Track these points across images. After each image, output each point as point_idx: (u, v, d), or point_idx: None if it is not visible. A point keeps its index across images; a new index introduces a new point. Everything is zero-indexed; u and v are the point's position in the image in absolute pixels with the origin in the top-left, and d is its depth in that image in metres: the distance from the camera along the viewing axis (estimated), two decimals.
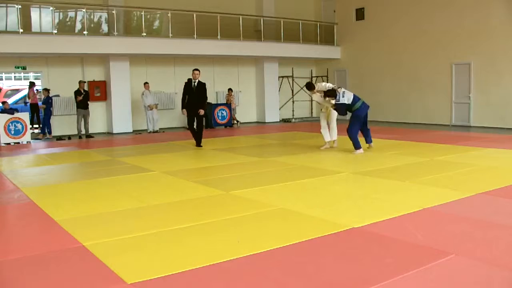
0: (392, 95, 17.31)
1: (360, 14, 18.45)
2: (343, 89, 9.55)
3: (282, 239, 4.11)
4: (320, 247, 3.96)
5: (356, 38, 18.61)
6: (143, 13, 15.20)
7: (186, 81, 10.80)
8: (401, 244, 3.98)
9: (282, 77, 19.15)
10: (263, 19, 17.78)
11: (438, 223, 4.59)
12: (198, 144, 10.84)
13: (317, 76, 20.08)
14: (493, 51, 14.18)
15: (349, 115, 9.70)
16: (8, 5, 13.25)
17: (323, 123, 10.10)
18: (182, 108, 10.73)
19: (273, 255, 3.78)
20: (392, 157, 8.71)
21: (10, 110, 13.05)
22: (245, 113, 18.63)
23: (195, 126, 10.82)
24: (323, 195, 5.93)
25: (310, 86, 10.13)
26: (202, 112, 10.52)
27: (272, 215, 5.00)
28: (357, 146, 9.37)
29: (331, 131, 10.12)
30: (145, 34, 15.08)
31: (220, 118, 16.67)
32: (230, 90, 17.29)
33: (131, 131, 15.67)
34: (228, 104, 16.96)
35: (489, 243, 3.99)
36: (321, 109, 10.28)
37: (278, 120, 18.95)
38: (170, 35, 15.28)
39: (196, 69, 10.79)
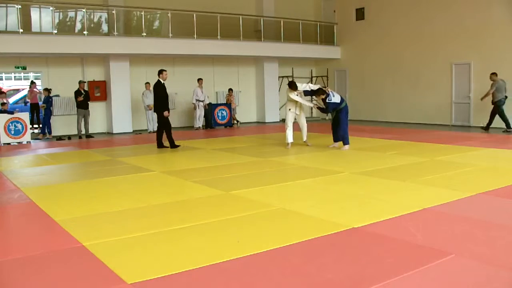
0: (392, 95, 17.32)
1: (360, 14, 18.46)
2: (329, 90, 10.00)
3: (282, 239, 4.11)
4: (320, 247, 3.96)
5: (356, 38, 18.61)
6: (143, 13, 15.21)
7: (158, 82, 10.54)
8: (401, 244, 3.98)
9: (282, 77, 19.14)
10: (263, 19, 17.79)
11: (438, 223, 4.59)
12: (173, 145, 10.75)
13: (317, 76, 20.09)
14: (493, 51, 14.18)
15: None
16: (8, 5, 13.26)
17: (290, 123, 10.28)
18: (166, 110, 10.57)
19: (273, 255, 3.78)
20: (392, 157, 8.71)
21: (9, 111, 13.06)
22: (245, 113, 18.64)
23: (158, 127, 10.82)
24: (323, 195, 5.93)
25: (293, 85, 10.16)
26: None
27: (272, 215, 5.00)
28: (348, 141, 9.79)
29: (304, 130, 10.45)
30: (145, 34, 15.09)
31: (220, 118, 16.67)
32: (230, 90, 17.30)
33: (131, 131, 15.68)
34: (228, 104, 16.96)
35: (489, 243, 3.99)
36: (289, 109, 10.32)
37: (278, 120, 18.94)
38: (170, 35, 15.29)
39: (165, 70, 10.74)
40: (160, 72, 10.61)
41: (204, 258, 3.68)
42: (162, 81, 10.54)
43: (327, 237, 4.18)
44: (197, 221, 4.77)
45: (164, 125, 10.74)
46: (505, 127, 13.14)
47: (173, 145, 10.71)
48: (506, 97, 13.18)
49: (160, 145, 10.78)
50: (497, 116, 13.30)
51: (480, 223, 4.55)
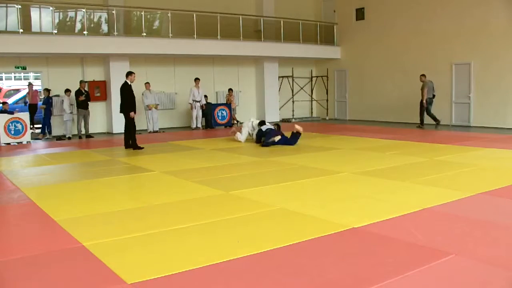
0: (392, 95, 17.30)
1: (360, 14, 18.44)
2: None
3: (282, 239, 4.11)
4: (320, 247, 3.96)
5: (356, 38, 18.60)
6: (143, 13, 15.20)
7: (124, 84, 10.59)
8: (401, 244, 3.98)
9: (282, 77, 19.14)
10: (263, 19, 17.78)
11: (438, 223, 4.59)
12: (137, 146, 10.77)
13: (317, 76, 20.09)
14: (493, 51, 14.18)
15: None
16: (8, 5, 13.25)
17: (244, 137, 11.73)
18: (132, 111, 10.58)
19: (273, 255, 3.78)
20: (392, 157, 8.71)
21: (10, 111, 13.06)
22: (245, 113, 18.60)
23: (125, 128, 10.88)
24: (323, 195, 5.93)
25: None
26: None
27: (272, 215, 5.00)
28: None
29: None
30: (145, 34, 15.08)
31: (220, 118, 16.66)
32: (230, 90, 17.29)
33: None
34: (228, 104, 16.96)
35: (489, 243, 3.99)
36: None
37: (279, 120, 18.93)
38: (170, 35, 15.28)
39: (134, 72, 10.83)
40: (129, 74, 10.69)
41: (204, 258, 3.68)
42: (130, 83, 10.57)
43: (327, 237, 4.18)
44: (197, 221, 4.77)
45: (129, 126, 10.75)
46: (434, 122, 14.33)
47: (136, 147, 10.69)
48: (434, 96, 14.42)
49: (127, 145, 10.78)
50: (496, 116, 13.35)
51: (480, 223, 4.55)
